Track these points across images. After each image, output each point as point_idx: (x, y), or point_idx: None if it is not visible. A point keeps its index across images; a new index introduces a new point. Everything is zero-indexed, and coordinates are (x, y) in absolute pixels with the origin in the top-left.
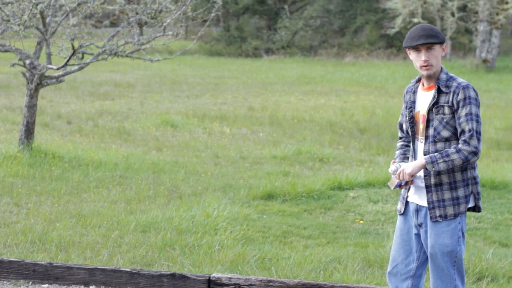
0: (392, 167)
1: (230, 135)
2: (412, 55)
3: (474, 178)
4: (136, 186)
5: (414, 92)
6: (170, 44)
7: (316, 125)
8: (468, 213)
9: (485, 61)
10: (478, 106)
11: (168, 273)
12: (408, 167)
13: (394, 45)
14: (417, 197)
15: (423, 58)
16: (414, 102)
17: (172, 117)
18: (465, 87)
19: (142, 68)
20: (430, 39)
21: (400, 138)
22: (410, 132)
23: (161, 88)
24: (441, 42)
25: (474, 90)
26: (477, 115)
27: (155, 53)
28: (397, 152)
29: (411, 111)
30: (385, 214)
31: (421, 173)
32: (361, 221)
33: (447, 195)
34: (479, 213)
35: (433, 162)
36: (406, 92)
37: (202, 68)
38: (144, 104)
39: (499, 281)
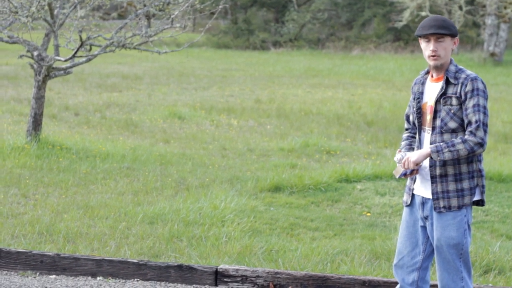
0: (397, 156)
1: (237, 127)
2: (422, 44)
3: (480, 171)
4: (143, 177)
5: (423, 83)
6: (178, 36)
7: (323, 117)
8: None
9: (492, 54)
10: (486, 98)
11: (175, 264)
12: (413, 155)
13: (401, 38)
14: (423, 189)
15: (431, 48)
16: (422, 93)
17: (179, 109)
18: (474, 79)
19: (150, 60)
20: (440, 30)
21: (407, 129)
22: (416, 123)
23: (169, 80)
24: (452, 35)
25: (483, 83)
26: (485, 107)
27: (163, 45)
28: (403, 143)
29: (418, 102)
30: (392, 207)
31: (426, 164)
32: (368, 214)
33: (451, 186)
34: (487, 206)
35: (438, 151)
36: (415, 84)
37: (209, 61)
38: (151, 96)
39: (506, 274)
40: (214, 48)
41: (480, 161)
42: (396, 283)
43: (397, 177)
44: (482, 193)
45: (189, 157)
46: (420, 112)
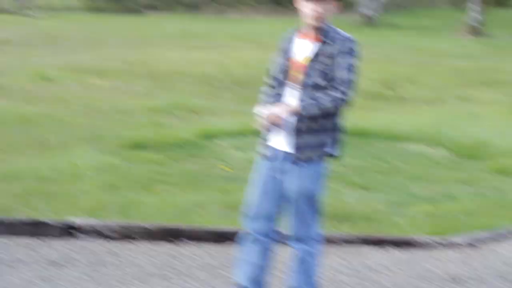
0: (261, 110)
1: (106, 89)
2: (302, 3)
3: (338, 125)
4: (1, 137)
5: (291, 40)
6: (52, 0)
7: (193, 78)
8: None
9: (365, 16)
10: (357, 58)
11: (28, 220)
12: (278, 109)
13: (278, 2)
14: (281, 142)
15: (313, 7)
16: (290, 50)
17: (48, 71)
18: (347, 39)
19: (23, 24)
20: None
21: (269, 85)
22: (283, 79)
23: (40, 45)
24: None
25: (356, 43)
26: (355, 67)
27: (37, 10)
28: (265, 97)
29: (286, 59)
30: (253, 162)
31: (288, 118)
32: (228, 169)
33: (309, 139)
34: (346, 160)
35: (304, 106)
36: (283, 40)
37: (83, 24)
38: (21, 59)
39: (357, 223)
40: (88, 11)
41: (340, 116)
42: (249, 234)
43: (260, 131)
44: (338, 147)
45: (52, 118)
46: (287, 68)
